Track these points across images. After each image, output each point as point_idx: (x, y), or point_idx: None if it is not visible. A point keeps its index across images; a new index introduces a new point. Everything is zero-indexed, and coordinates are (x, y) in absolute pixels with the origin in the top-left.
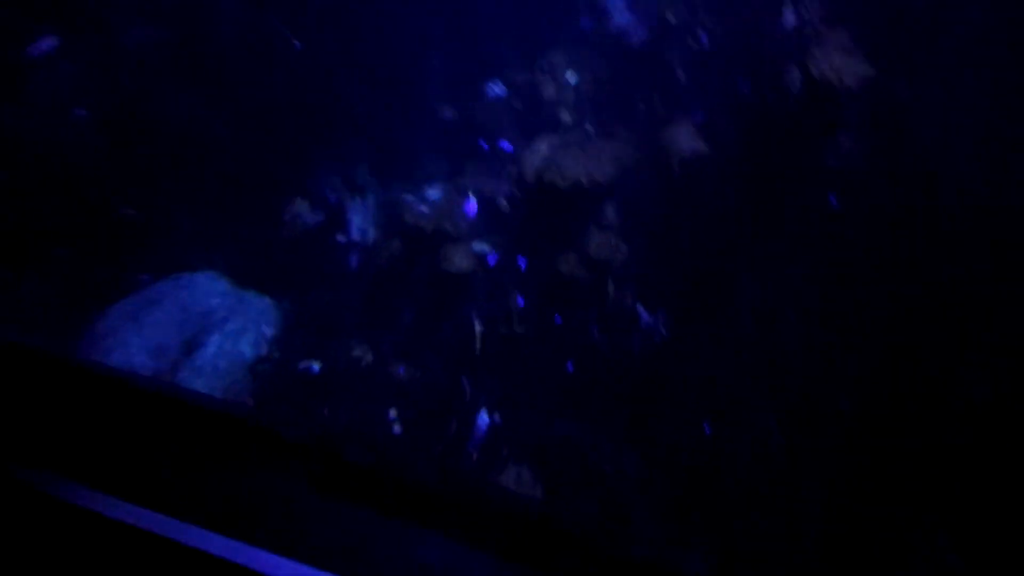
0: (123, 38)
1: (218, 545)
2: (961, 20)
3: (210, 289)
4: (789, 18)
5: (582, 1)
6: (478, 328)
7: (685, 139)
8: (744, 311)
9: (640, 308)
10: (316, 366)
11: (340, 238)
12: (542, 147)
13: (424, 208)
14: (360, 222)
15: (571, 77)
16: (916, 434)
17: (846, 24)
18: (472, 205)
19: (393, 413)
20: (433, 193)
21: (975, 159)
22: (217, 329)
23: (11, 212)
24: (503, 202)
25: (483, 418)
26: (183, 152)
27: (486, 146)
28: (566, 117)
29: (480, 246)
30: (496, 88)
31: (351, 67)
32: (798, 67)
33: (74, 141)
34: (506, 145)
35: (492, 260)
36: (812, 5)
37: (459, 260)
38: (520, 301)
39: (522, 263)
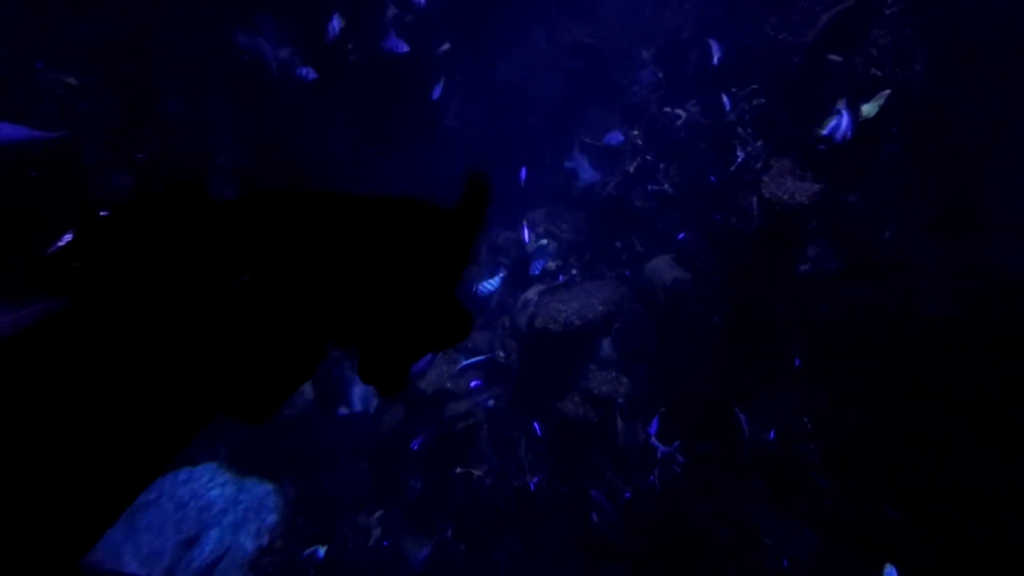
0: None
1: None
2: (888, 140)
3: (210, 481)
4: (739, 155)
5: (552, 164)
6: (488, 484)
7: (666, 270)
8: (756, 427)
9: (655, 440)
10: (322, 550)
11: (343, 411)
12: (531, 296)
13: (422, 366)
14: (362, 392)
15: (551, 230)
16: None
17: (788, 153)
18: (476, 383)
19: None
20: (419, 367)
21: (929, 243)
22: (216, 523)
23: None
24: (500, 354)
25: None
26: None
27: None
28: (551, 266)
29: (483, 397)
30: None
31: None
32: (754, 194)
33: None
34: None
35: (496, 412)
36: (756, 141)
37: (463, 418)
38: (529, 450)
39: (527, 412)
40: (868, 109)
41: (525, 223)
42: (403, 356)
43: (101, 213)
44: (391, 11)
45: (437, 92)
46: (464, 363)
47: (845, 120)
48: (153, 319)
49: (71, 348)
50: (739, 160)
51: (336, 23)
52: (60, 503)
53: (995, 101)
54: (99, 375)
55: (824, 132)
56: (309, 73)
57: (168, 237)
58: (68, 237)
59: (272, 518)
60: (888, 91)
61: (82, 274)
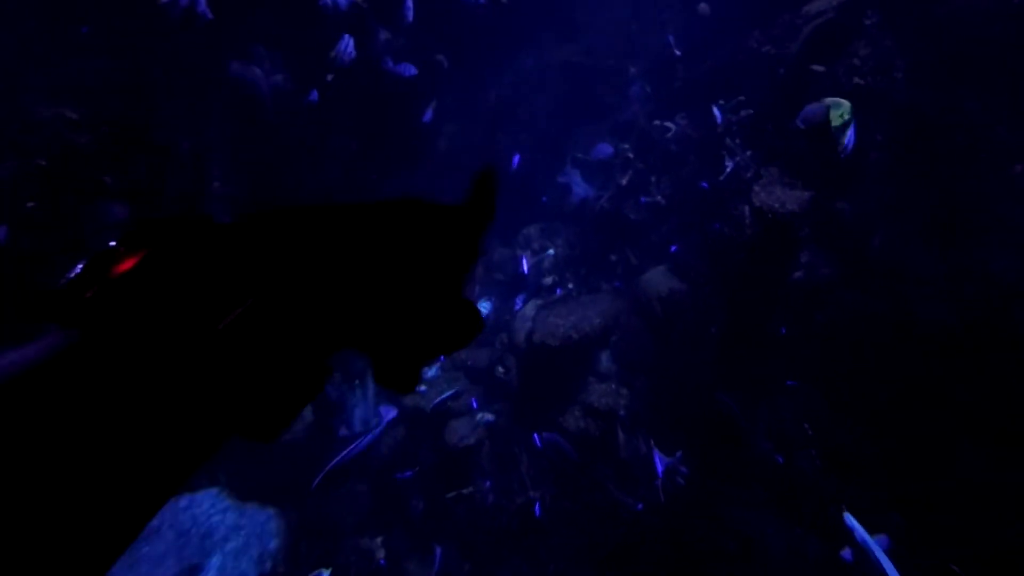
0: None
1: None
2: (873, 147)
3: (211, 508)
4: (727, 165)
5: (545, 182)
6: (491, 501)
7: (661, 281)
8: (757, 436)
9: (656, 452)
10: (325, 573)
11: (343, 432)
12: (528, 311)
13: (423, 387)
14: (362, 413)
15: (546, 245)
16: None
17: (776, 162)
18: (474, 401)
19: None
20: (430, 372)
21: (918, 248)
22: (218, 550)
23: None
24: (499, 370)
25: None
26: None
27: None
28: (547, 280)
29: (484, 416)
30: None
31: None
32: (746, 203)
33: None
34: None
35: (496, 428)
36: (745, 151)
37: (464, 436)
38: (531, 465)
39: (528, 427)
40: (835, 119)
41: (524, 256)
42: (416, 357)
43: (111, 243)
44: (383, 35)
45: (428, 115)
46: (436, 401)
47: (851, 132)
48: (156, 351)
49: (81, 383)
50: (728, 170)
51: (348, 45)
52: (68, 537)
53: (974, 109)
54: (108, 409)
55: (842, 149)
56: (313, 95)
57: (175, 265)
58: (79, 267)
59: (274, 543)
60: (848, 103)
61: (93, 305)
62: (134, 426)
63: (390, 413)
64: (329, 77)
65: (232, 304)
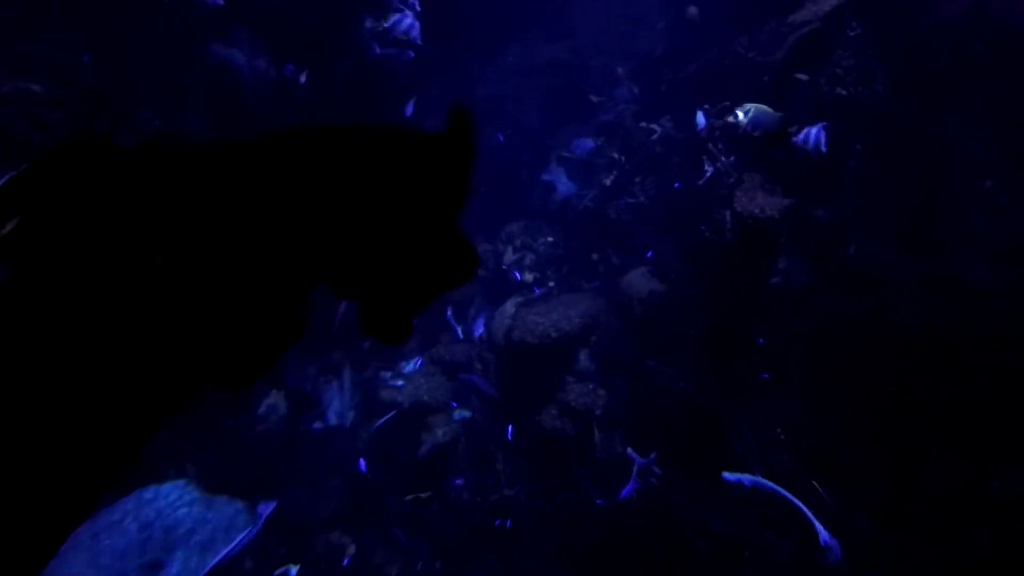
0: None
1: None
2: (852, 156)
3: (177, 500)
4: (709, 169)
5: (529, 178)
6: (466, 498)
7: (642, 283)
8: (734, 438)
9: (631, 452)
10: (294, 570)
11: (318, 425)
12: (509, 308)
13: (400, 382)
14: (338, 406)
15: (528, 243)
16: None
17: (758, 167)
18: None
19: None
20: (408, 367)
21: (894, 256)
22: (182, 544)
23: None
24: (478, 367)
25: None
26: None
27: (453, 320)
28: (528, 278)
29: (461, 413)
30: None
31: None
32: (727, 208)
33: None
34: (477, 322)
35: (473, 425)
36: (727, 157)
37: (440, 431)
38: (507, 463)
39: (505, 426)
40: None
41: (516, 271)
42: (407, 302)
43: (24, 165)
44: (368, 23)
45: (410, 109)
46: (379, 423)
47: (815, 130)
48: (92, 291)
49: (16, 326)
50: (708, 175)
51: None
52: (15, 502)
53: (949, 121)
54: (46, 353)
55: (798, 141)
56: (301, 81)
57: (104, 191)
58: None
59: (242, 537)
60: (768, 108)
61: (15, 239)
62: (77, 372)
63: (267, 508)
64: (311, 65)
65: (172, 236)
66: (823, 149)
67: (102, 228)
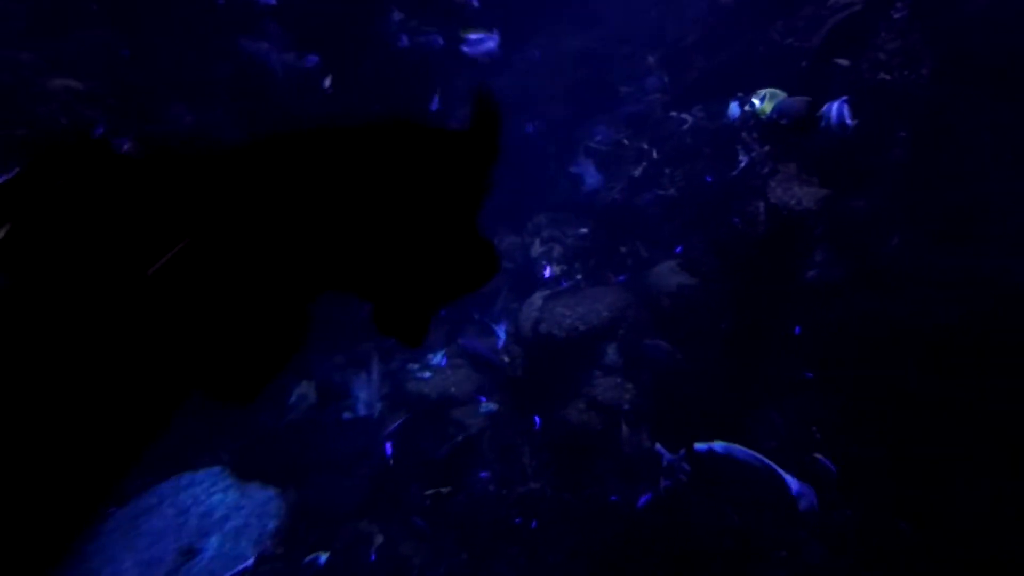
0: None
1: None
2: (895, 144)
3: (212, 487)
4: (743, 159)
5: (558, 170)
6: (492, 491)
7: (670, 276)
8: (764, 436)
9: (660, 447)
10: (323, 557)
11: (347, 416)
12: (536, 300)
13: (428, 374)
14: (366, 397)
15: (556, 235)
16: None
17: (793, 157)
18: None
19: None
20: (435, 359)
21: (937, 251)
22: (217, 530)
23: None
24: (504, 359)
25: None
26: None
27: (476, 314)
28: (556, 270)
29: (487, 406)
30: None
31: None
32: (761, 199)
33: None
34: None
35: (499, 418)
36: (761, 146)
37: (467, 423)
38: (532, 456)
39: (532, 418)
40: (763, 107)
41: (547, 264)
42: (425, 302)
43: (13, 171)
44: (396, 15)
45: (435, 103)
46: (389, 429)
47: (836, 105)
48: (86, 298)
49: (11, 333)
50: (742, 165)
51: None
52: (31, 503)
53: (1001, 109)
54: (46, 360)
55: (841, 129)
56: (327, 76)
57: (97, 197)
58: None
59: (273, 524)
60: (783, 93)
61: (5, 248)
62: (64, 381)
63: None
64: (340, 57)
65: (166, 244)
66: (848, 123)
67: (92, 236)
